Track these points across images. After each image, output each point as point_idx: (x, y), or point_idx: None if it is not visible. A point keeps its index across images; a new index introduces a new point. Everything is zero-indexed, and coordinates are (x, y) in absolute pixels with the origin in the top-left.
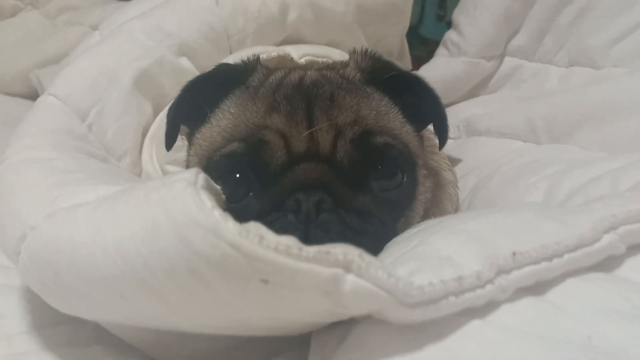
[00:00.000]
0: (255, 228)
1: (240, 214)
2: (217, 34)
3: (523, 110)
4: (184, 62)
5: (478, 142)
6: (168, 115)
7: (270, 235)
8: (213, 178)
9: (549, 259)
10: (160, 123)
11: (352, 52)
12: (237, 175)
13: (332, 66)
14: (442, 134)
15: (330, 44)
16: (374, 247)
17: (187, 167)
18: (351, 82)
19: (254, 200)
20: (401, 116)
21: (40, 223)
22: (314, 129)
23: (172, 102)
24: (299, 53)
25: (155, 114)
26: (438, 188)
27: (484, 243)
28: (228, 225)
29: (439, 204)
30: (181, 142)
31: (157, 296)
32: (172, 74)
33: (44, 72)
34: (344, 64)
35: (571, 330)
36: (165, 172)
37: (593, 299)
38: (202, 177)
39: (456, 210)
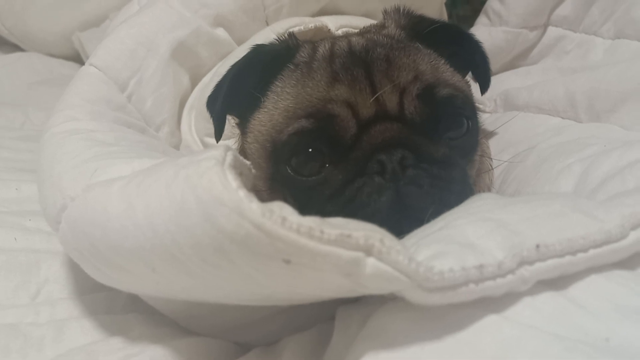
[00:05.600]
0: (279, 209)
1: (322, 186)
2: (253, 4)
3: (563, 84)
4: (221, 32)
5: (515, 117)
6: (211, 107)
7: (293, 217)
8: (284, 158)
9: (574, 253)
10: (199, 94)
11: (385, 12)
12: (310, 150)
13: (369, 29)
14: (485, 78)
15: (366, 14)
16: (464, 194)
17: (244, 155)
18: (399, 40)
19: (334, 171)
20: (448, 66)
21: (79, 194)
22: (378, 93)
23: (211, 92)
24: (335, 24)
25: (193, 84)
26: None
27: (509, 233)
28: (252, 205)
29: (478, 175)
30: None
31: (185, 269)
32: (208, 45)
33: (85, 35)
34: (380, 26)
35: (589, 330)
36: (205, 145)
37: (614, 298)
38: (230, 154)
39: (491, 183)
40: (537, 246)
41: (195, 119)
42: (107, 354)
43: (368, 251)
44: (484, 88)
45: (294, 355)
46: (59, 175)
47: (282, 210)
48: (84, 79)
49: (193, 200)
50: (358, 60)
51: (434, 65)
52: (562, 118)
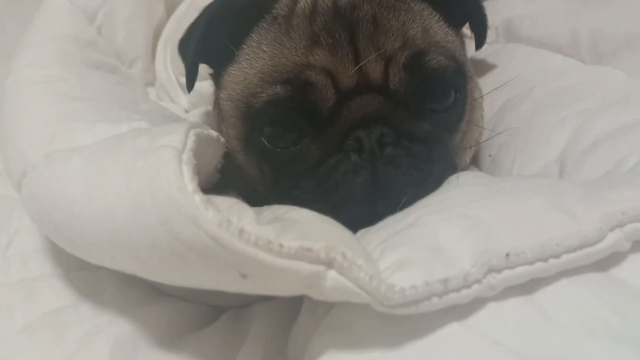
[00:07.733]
0: (238, 218)
1: (297, 160)
2: None
3: (569, 19)
4: None
5: (516, 50)
6: (183, 52)
7: (252, 228)
8: (258, 126)
9: (545, 259)
10: (175, 25)
11: None
12: (285, 121)
13: None
14: (481, 33)
15: None
16: (444, 175)
17: (219, 111)
18: None
19: (310, 145)
20: (442, 22)
21: (38, 163)
22: (362, 63)
23: (183, 34)
24: None
25: (169, 12)
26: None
27: (482, 235)
28: (208, 214)
29: (467, 125)
30: None
31: (145, 265)
32: None
33: None
34: None
35: (553, 347)
36: (180, 85)
37: (583, 309)
38: (192, 137)
39: (479, 136)
40: (507, 255)
41: (171, 54)
42: (75, 324)
43: (329, 264)
44: (479, 42)
45: (264, 323)
46: (20, 135)
47: (241, 220)
48: (49, 12)
49: (149, 199)
50: (342, 20)
51: (425, 27)
52: (564, 55)
